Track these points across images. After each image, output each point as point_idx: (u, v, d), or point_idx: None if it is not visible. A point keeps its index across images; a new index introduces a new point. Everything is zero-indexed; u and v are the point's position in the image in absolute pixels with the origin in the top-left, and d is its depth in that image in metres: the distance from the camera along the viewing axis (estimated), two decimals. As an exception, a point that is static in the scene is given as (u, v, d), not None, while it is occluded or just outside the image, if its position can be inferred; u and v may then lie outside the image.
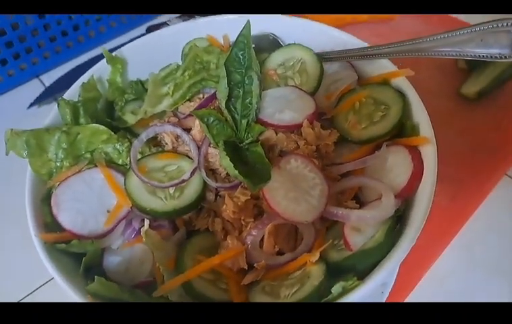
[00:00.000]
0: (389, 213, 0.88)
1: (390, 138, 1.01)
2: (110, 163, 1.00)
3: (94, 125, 1.00)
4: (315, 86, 1.10)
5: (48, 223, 0.91)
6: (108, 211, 0.93)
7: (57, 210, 0.90)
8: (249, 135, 0.99)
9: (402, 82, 1.05)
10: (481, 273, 1.16)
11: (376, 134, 1.01)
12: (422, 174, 0.92)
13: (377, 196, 0.92)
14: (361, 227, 0.89)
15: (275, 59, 1.15)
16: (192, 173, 0.94)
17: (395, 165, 0.96)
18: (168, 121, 1.05)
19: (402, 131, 1.02)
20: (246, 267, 0.88)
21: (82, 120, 1.04)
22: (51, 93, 1.65)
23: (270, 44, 1.23)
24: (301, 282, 0.84)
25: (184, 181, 0.93)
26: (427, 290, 1.13)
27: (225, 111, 1.00)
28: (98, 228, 0.91)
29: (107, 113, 1.14)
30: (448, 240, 1.23)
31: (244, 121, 1.00)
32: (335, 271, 0.85)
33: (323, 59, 1.14)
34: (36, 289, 1.19)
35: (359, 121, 1.04)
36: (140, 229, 0.92)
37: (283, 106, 1.03)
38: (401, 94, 1.04)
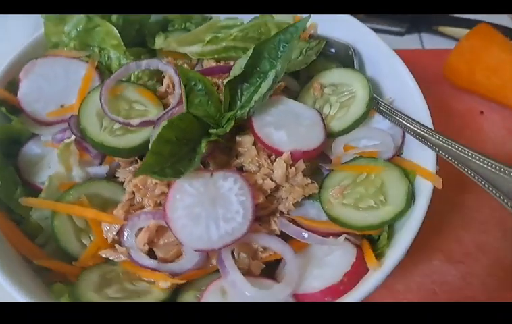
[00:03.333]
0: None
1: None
2: (106, 69, 0.98)
3: (110, 25, 0.99)
4: (345, 127, 0.93)
5: (11, 81, 0.94)
6: (61, 106, 0.92)
7: (23, 77, 0.94)
8: (225, 126, 0.86)
9: (425, 188, 0.82)
10: None
11: (348, 221, 0.82)
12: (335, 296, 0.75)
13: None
14: (228, 291, 0.75)
15: (332, 77, 0.99)
16: (143, 124, 0.87)
17: (331, 264, 0.79)
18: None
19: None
20: (109, 241, 0.80)
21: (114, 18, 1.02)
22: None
23: (344, 58, 1.05)
24: (140, 294, 0.76)
25: (129, 124, 0.87)
26: None
27: (225, 90, 0.88)
28: (41, 114, 0.93)
29: (162, 26, 1.12)
30: None
31: (241, 112, 0.88)
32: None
33: (377, 107, 0.93)
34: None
35: (344, 195, 0.84)
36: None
37: (284, 125, 0.88)
38: (411, 202, 0.82)
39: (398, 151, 0.91)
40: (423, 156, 0.86)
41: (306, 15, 0.93)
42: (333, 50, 1.07)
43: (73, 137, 0.88)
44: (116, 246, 0.80)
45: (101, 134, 0.87)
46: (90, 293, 0.74)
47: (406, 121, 0.89)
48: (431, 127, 0.88)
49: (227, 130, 0.86)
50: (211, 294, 0.75)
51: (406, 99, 0.96)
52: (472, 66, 1.18)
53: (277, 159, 0.85)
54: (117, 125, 0.88)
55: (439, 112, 1.21)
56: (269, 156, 0.87)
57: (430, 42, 1.40)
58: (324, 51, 1.06)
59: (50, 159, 0.90)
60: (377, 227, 0.80)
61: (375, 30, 1.40)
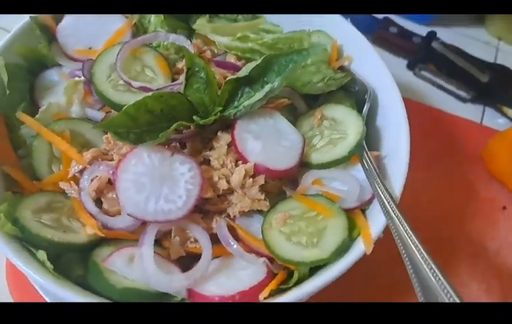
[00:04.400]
0: (166, 288, 0.79)
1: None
2: (144, 31, 1.09)
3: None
4: (322, 162, 0.94)
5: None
6: (90, 48, 1.03)
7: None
8: (209, 116, 0.91)
9: (357, 250, 0.82)
10: None
11: (273, 248, 0.84)
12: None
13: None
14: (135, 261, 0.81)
15: (335, 113, 1.01)
16: (142, 88, 0.95)
17: (236, 278, 0.82)
18: (202, 53, 1.04)
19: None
20: (69, 176, 0.90)
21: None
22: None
23: (362, 100, 1.04)
24: (66, 230, 0.84)
25: (130, 85, 0.95)
26: None
27: (224, 86, 0.93)
28: (70, 48, 1.05)
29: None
30: None
31: (229, 112, 0.92)
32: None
33: (360, 157, 0.92)
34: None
35: (286, 223, 0.86)
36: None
37: (264, 138, 0.91)
38: (338, 256, 0.82)
39: (364, 206, 0.90)
40: (377, 220, 0.85)
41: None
42: (357, 88, 1.06)
43: (82, 77, 0.98)
44: (71, 182, 0.90)
45: (104, 83, 0.96)
46: (25, 211, 0.83)
47: (374, 180, 0.88)
48: (398, 194, 0.86)
49: (208, 123, 0.90)
50: (119, 256, 0.81)
51: (393, 156, 0.94)
52: (508, 156, 1.10)
53: (241, 165, 0.88)
54: (121, 82, 0.96)
55: (461, 191, 1.16)
56: (237, 161, 0.90)
57: (491, 118, 1.32)
58: (347, 86, 1.06)
59: (60, 90, 1.01)
60: (295, 263, 0.81)
61: (440, 87, 1.37)
